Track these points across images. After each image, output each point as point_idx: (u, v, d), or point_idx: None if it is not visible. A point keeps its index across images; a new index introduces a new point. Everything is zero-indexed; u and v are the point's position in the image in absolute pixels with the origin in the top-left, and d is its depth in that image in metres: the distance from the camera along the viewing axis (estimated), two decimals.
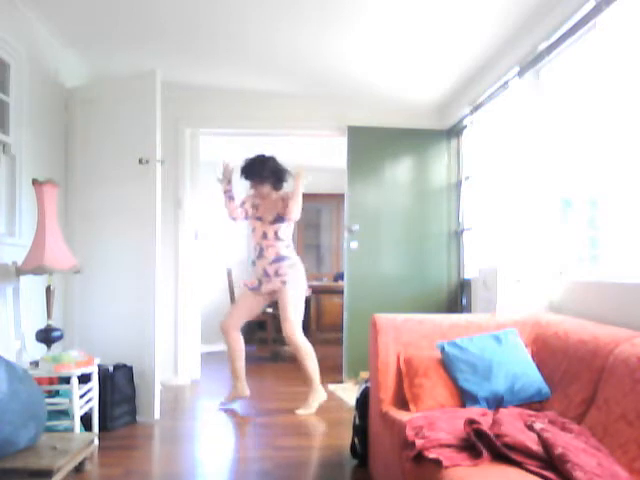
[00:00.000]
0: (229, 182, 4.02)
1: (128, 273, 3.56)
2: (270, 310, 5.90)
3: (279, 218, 3.90)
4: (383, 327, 2.48)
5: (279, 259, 3.85)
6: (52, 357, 2.85)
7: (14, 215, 3.18)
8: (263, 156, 3.99)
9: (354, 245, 4.77)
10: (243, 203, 4.07)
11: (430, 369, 2.33)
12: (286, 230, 3.92)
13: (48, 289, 3.09)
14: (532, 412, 2.05)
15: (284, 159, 4.24)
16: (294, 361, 4.11)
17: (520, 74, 3.38)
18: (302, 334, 3.84)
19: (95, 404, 3.08)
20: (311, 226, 7.78)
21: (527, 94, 3.35)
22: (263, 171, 3.92)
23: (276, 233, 3.89)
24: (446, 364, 2.33)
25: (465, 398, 2.23)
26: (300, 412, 3.70)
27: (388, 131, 4.82)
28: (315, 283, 7.09)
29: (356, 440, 2.80)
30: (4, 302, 2.99)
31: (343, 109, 4.82)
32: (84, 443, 2.51)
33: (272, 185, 3.96)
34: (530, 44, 3.26)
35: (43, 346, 3.07)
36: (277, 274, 3.84)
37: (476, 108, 4.18)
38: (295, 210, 3.84)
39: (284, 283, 3.81)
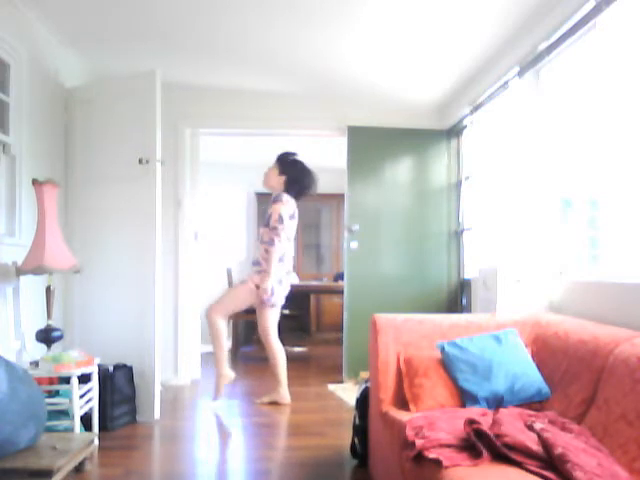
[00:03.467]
0: None
1: (128, 273, 3.56)
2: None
3: (266, 220, 4.00)
4: (383, 327, 2.48)
5: (257, 262, 3.98)
6: (52, 357, 2.85)
7: (14, 215, 3.18)
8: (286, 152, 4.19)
9: (354, 245, 4.77)
10: None
11: (430, 369, 2.33)
12: (266, 233, 3.97)
13: (48, 289, 3.09)
14: (532, 412, 2.05)
15: None
16: (294, 361, 4.12)
17: (520, 74, 3.38)
18: (221, 318, 3.95)
19: (95, 404, 3.08)
20: (311, 226, 7.78)
21: (527, 94, 3.35)
22: (277, 159, 4.15)
23: (262, 235, 3.99)
24: (446, 364, 2.33)
25: (465, 398, 2.23)
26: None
27: (388, 131, 4.82)
28: (315, 283, 7.11)
29: (356, 440, 2.80)
30: (4, 302, 2.99)
31: (343, 109, 4.82)
32: (84, 443, 2.51)
33: (276, 174, 4.08)
34: (530, 44, 3.26)
35: (43, 346, 3.07)
36: (249, 275, 4.01)
37: (476, 108, 4.18)
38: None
39: (243, 280, 4.00)
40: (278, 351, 3.98)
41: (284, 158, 4.08)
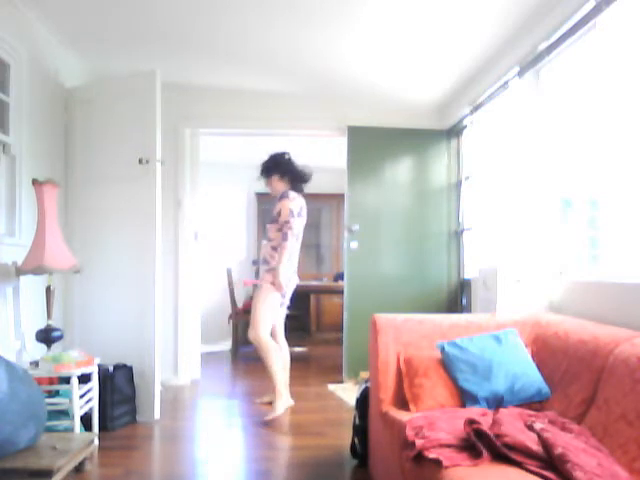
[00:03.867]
0: None
1: (128, 273, 3.56)
2: None
3: (272, 218, 3.88)
4: (383, 327, 2.48)
5: (264, 261, 3.84)
6: (52, 357, 2.85)
7: (14, 215, 3.18)
8: (272, 154, 4.03)
9: (354, 245, 4.77)
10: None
11: (430, 369, 2.33)
12: (276, 231, 3.84)
13: (48, 289, 3.09)
14: (532, 412, 2.05)
15: None
16: (294, 361, 4.12)
17: (520, 74, 3.38)
18: (266, 334, 3.75)
19: (95, 404, 3.08)
20: (311, 226, 7.75)
21: (527, 94, 3.35)
22: (266, 168, 3.99)
23: (268, 232, 3.89)
24: (446, 364, 2.33)
25: (465, 398, 2.23)
26: (268, 418, 3.55)
27: (388, 131, 4.82)
28: (315, 283, 7.11)
29: (356, 440, 2.80)
30: (4, 302, 2.99)
31: (343, 109, 4.82)
32: (84, 443, 2.51)
33: (278, 181, 3.97)
34: (530, 44, 3.26)
35: (43, 346, 3.07)
36: (260, 277, 3.86)
37: (476, 108, 4.18)
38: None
39: (259, 286, 3.82)
40: (270, 347, 3.94)
41: (278, 162, 3.99)
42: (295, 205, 3.85)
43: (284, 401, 3.68)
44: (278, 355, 3.75)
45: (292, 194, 3.90)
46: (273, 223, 3.86)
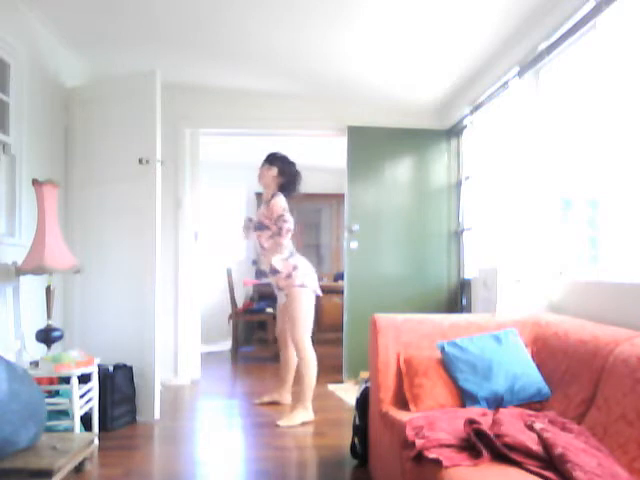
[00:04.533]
0: (248, 234, 3.99)
1: (128, 273, 3.56)
2: (270, 310, 5.91)
3: (259, 225, 3.77)
4: (383, 327, 2.48)
5: (274, 272, 3.69)
6: (52, 357, 2.85)
7: (14, 215, 3.18)
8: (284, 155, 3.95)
9: (354, 245, 4.77)
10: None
11: (430, 369, 2.33)
12: (269, 237, 3.72)
13: (48, 289, 3.09)
14: (532, 412, 2.05)
15: None
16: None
17: (520, 74, 3.38)
18: (308, 341, 3.68)
19: (95, 404, 3.08)
20: (311, 226, 7.77)
21: (527, 94, 3.35)
22: (271, 158, 3.88)
23: (260, 241, 3.77)
24: (446, 364, 2.33)
25: (465, 398, 2.23)
26: (282, 423, 3.45)
27: (388, 131, 4.82)
28: None
29: (356, 440, 2.80)
30: (4, 302, 2.99)
31: (343, 109, 4.82)
32: (84, 443, 2.51)
33: (275, 176, 3.83)
34: (530, 44, 3.26)
35: (43, 346, 3.07)
36: (279, 287, 3.75)
37: (476, 108, 4.18)
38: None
39: (287, 295, 3.70)
40: (311, 357, 3.80)
41: (283, 159, 3.88)
42: (286, 203, 3.73)
43: (307, 415, 3.57)
44: (315, 367, 3.68)
45: (282, 195, 3.79)
46: (263, 230, 3.73)
